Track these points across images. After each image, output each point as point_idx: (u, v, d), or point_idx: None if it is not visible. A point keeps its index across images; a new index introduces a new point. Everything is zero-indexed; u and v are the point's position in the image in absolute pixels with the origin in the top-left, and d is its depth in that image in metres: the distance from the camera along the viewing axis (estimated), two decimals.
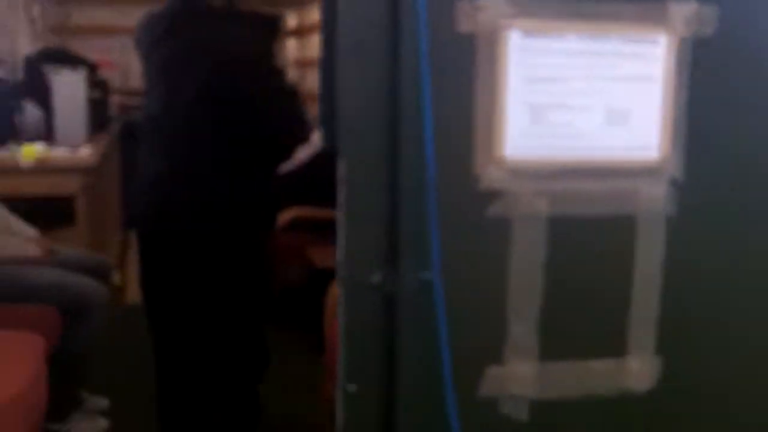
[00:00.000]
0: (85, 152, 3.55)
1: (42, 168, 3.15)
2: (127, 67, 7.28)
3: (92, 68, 5.10)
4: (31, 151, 3.14)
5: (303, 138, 2.53)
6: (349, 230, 1.31)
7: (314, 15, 5.94)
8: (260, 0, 2.64)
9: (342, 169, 1.29)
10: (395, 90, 1.27)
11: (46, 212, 3.89)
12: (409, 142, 1.29)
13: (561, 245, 1.42)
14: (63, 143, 3.88)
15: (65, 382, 2.86)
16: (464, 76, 1.33)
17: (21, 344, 2.26)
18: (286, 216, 3.86)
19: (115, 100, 5.88)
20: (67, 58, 4.99)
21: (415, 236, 1.32)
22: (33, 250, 2.82)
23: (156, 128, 2.48)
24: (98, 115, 4.64)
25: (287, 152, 2.61)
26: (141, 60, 2.60)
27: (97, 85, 4.90)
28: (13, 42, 5.33)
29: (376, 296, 1.33)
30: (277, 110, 2.44)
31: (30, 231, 2.99)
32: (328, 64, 1.29)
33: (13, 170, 3.13)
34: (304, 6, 6.53)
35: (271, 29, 2.56)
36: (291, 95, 2.53)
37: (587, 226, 1.43)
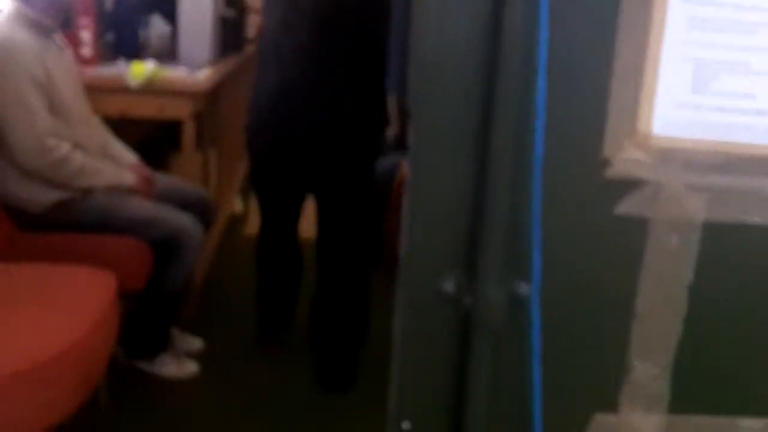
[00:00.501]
0: (203, 75, 3.33)
1: (150, 89, 2.94)
2: None
3: None
4: (140, 70, 2.94)
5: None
6: (415, 218, 0.96)
7: None
8: None
9: (412, 136, 0.94)
10: (494, 30, 0.89)
11: (158, 136, 3.76)
12: (508, 106, 0.91)
13: (717, 262, 1.02)
14: (185, 63, 3.68)
15: (154, 320, 2.71)
16: (599, 16, 0.93)
17: (89, 282, 2.08)
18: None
19: (254, 20, 5.67)
20: None
21: (508, 235, 0.96)
22: (130, 178, 2.63)
23: (274, 46, 2.64)
24: (231, 36, 4.43)
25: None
26: None
27: (234, 3, 4.68)
28: None
29: (446, 310, 0.98)
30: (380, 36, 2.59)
31: (129, 156, 2.81)
32: None
33: (121, 89, 2.94)
34: None
35: None
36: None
37: (758, 239, 1.02)
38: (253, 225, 4.46)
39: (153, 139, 3.65)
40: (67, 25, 2.78)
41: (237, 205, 4.72)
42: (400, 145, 3.41)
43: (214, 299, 3.38)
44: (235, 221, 4.52)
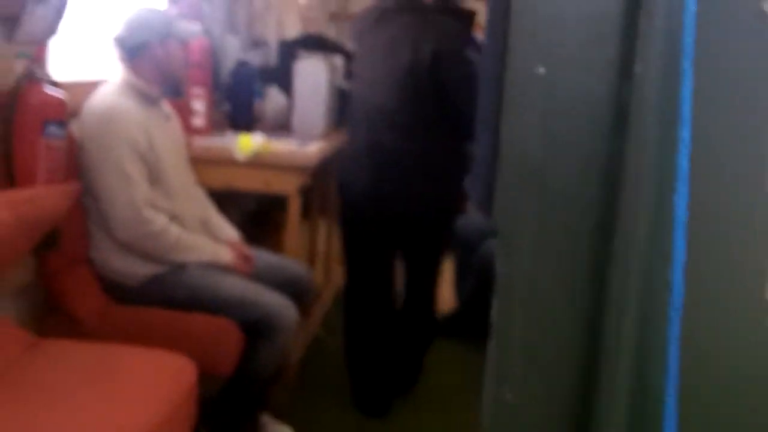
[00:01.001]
0: (313, 148, 3.24)
1: (257, 162, 2.87)
2: None
3: (350, 56, 4.85)
4: (247, 143, 2.87)
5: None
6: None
7: None
8: None
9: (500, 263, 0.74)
10: (617, 126, 0.69)
11: (267, 207, 3.68)
12: (638, 227, 0.70)
13: None
14: (298, 135, 3.63)
15: (242, 405, 2.56)
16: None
17: (167, 368, 1.95)
18: None
19: None
20: (323, 44, 4.79)
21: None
22: (226, 255, 2.53)
23: (362, 107, 2.90)
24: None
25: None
26: (354, 44, 3.13)
27: (351, 74, 4.63)
28: (279, 26, 5.24)
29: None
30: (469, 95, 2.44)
31: (229, 232, 2.72)
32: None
33: (227, 161, 2.87)
34: None
35: (467, 22, 2.87)
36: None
37: None
38: None
39: (262, 208, 3.59)
40: (178, 94, 2.75)
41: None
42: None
43: (310, 382, 3.21)
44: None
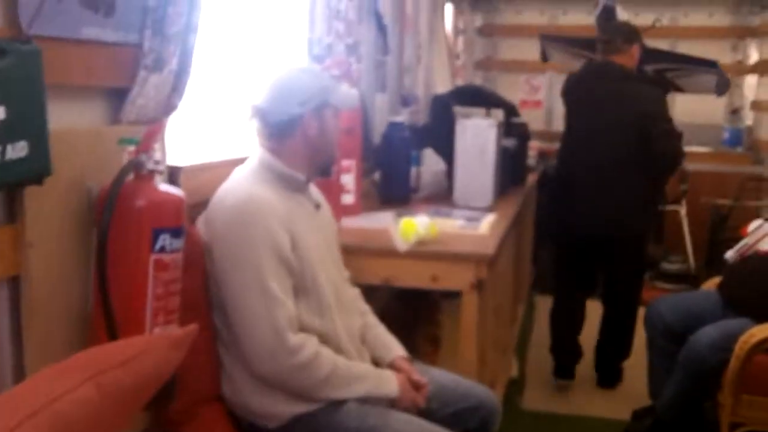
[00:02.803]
0: (485, 225, 2.65)
1: (421, 252, 2.29)
2: (551, 106, 6.45)
3: (511, 110, 4.25)
4: (410, 228, 2.29)
5: (677, 164, 3.67)
6: None
7: None
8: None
9: None
10: None
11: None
12: None
13: None
14: (463, 205, 3.04)
15: None
16: None
17: None
18: (759, 333, 2.71)
19: (533, 145, 5.04)
20: (482, 98, 4.21)
21: None
22: (393, 386, 1.92)
23: (582, 162, 3.60)
24: (513, 168, 3.76)
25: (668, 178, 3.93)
26: (566, 111, 3.86)
27: (515, 129, 4.02)
28: (427, 78, 4.70)
29: None
30: (671, 148, 3.47)
31: (395, 348, 2.10)
32: None
33: (386, 252, 2.31)
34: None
35: (663, 88, 3.74)
36: (679, 136, 3.51)
37: None
38: (531, 398, 3.65)
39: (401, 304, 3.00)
40: (328, 173, 2.21)
41: (513, 369, 3.92)
42: None
43: None
44: (511, 387, 3.73)
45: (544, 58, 5.04)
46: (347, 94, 2.02)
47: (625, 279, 3.78)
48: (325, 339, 1.87)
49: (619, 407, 3.50)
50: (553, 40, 5.01)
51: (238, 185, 1.87)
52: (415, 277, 2.34)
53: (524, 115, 5.16)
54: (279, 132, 1.92)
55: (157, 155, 1.56)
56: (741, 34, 6.37)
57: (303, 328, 1.82)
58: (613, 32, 3.73)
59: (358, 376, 1.88)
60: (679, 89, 4.63)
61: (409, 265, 2.31)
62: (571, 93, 3.81)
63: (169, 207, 1.49)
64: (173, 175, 1.79)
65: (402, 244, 2.27)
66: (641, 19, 5.17)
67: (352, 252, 2.28)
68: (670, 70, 4.45)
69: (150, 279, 1.43)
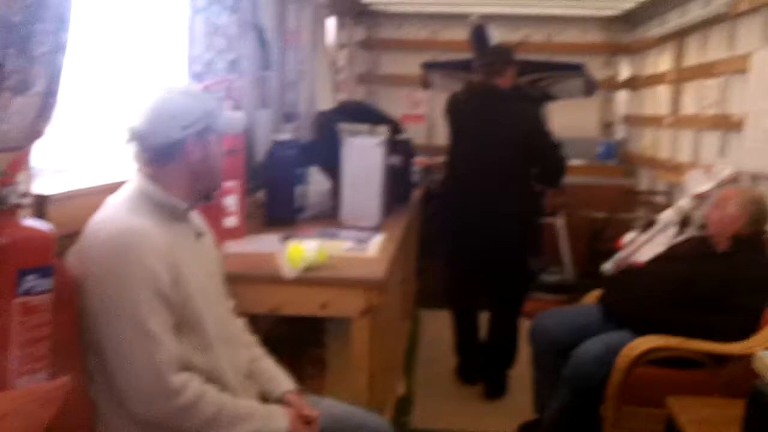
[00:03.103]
0: (374, 246, 2.61)
1: (310, 278, 2.21)
2: (433, 120, 6.50)
3: (395, 126, 4.23)
4: (298, 254, 2.21)
5: (563, 172, 3.93)
6: None
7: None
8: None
9: None
10: None
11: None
12: None
13: None
14: (350, 225, 2.99)
15: None
16: None
17: None
18: (640, 346, 2.75)
19: (417, 160, 5.06)
20: (367, 115, 4.16)
21: None
22: (282, 421, 1.83)
23: (468, 178, 3.83)
24: (399, 185, 3.73)
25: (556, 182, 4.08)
26: (449, 129, 4.04)
27: (400, 146, 4.00)
28: (310, 93, 4.62)
29: None
30: (552, 156, 3.83)
31: (283, 382, 2.02)
32: None
33: (272, 279, 2.22)
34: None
35: (539, 104, 4.20)
36: (557, 146, 3.83)
37: None
38: (420, 416, 3.63)
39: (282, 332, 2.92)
40: (210, 198, 2.10)
41: (401, 388, 3.89)
42: None
43: None
44: (400, 406, 3.69)
45: (426, 86, 5.18)
46: (232, 118, 1.92)
47: (510, 288, 3.99)
48: (209, 377, 1.77)
49: (506, 422, 3.53)
50: (435, 66, 5.10)
51: (112, 215, 1.74)
52: (303, 305, 2.26)
53: (407, 130, 5.18)
54: (159, 157, 1.80)
55: (22, 187, 1.43)
56: (613, 50, 6.62)
57: (186, 367, 1.72)
58: (495, 56, 3.98)
59: (246, 414, 1.78)
60: (553, 97, 4.77)
61: (296, 292, 2.23)
62: (455, 112, 4.00)
63: (36, 244, 1.36)
64: (40, 206, 1.65)
65: (289, 270, 2.19)
66: (516, 35, 5.29)
67: (237, 280, 2.17)
68: (542, 80, 4.57)
69: (15, 325, 1.29)
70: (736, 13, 4.02)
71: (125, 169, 1.91)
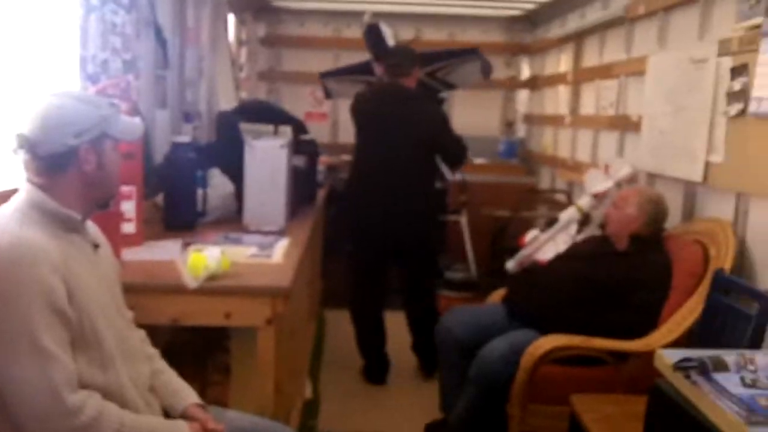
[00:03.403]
0: (279, 251, 2.56)
1: (213, 288, 2.15)
2: (336, 118, 6.47)
3: (299, 126, 4.17)
4: (200, 263, 2.15)
5: (465, 158, 4.20)
6: None
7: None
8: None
9: None
10: None
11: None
12: None
13: None
14: (254, 228, 2.93)
15: None
16: None
17: None
18: (543, 345, 2.80)
19: (322, 160, 5.02)
20: (270, 115, 4.09)
21: None
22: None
23: (374, 177, 3.95)
24: (304, 186, 3.69)
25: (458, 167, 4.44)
26: (356, 128, 4.11)
27: (304, 147, 3.95)
28: (211, 92, 4.52)
29: None
30: (454, 147, 4.04)
31: (186, 395, 1.96)
32: None
33: (174, 290, 2.14)
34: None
35: (439, 101, 4.40)
36: (458, 138, 4.06)
37: None
38: (327, 419, 3.60)
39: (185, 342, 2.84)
40: (106, 206, 2.00)
41: (308, 391, 3.85)
42: None
43: None
44: (306, 410, 3.66)
45: (328, 96, 5.14)
46: (129, 124, 1.83)
47: (423, 283, 4.20)
48: (109, 394, 1.69)
49: (413, 421, 3.54)
50: (331, 75, 5.05)
51: (1, 228, 1.64)
52: (206, 314, 2.19)
53: (310, 128, 5.11)
54: (51, 166, 1.70)
55: None
56: (515, 50, 6.73)
57: (84, 385, 1.63)
58: (401, 56, 4.07)
59: (148, 431, 1.71)
60: (453, 86, 4.78)
61: (199, 302, 2.16)
62: (361, 112, 4.10)
63: None
64: None
65: (191, 280, 2.12)
66: (408, 33, 5.27)
67: (136, 290, 2.09)
68: (440, 69, 4.58)
69: None
70: (633, 17, 4.13)
71: (14, 178, 1.79)
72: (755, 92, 2.76)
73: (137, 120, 1.89)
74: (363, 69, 4.71)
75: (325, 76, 5.12)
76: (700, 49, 3.25)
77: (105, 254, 1.89)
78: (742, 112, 2.86)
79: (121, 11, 2.72)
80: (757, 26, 2.78)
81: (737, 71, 2.92)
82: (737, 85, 2.91)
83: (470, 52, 4.61)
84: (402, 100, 3.95)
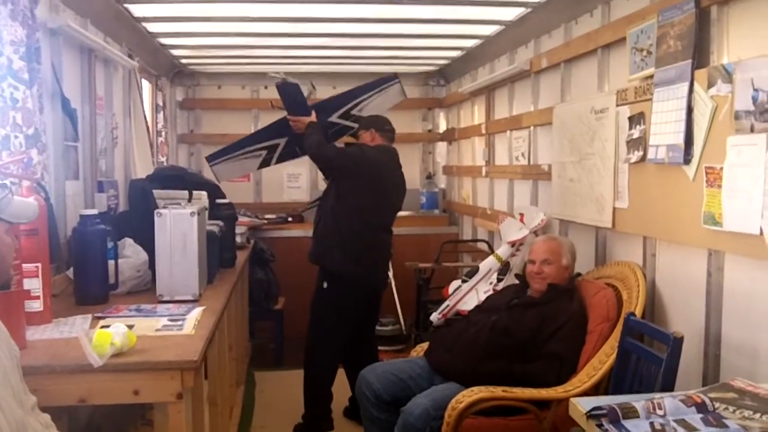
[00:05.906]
0: (191, 322, 2.51)
1: (120, 364, 2.09)
2: (258, 177, 6.46)
3: (215, 191, 4.16)
4: (105, 340, 2.09)
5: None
6: None
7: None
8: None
9: None
10: None
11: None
12: None
13: None
14: (168, 299, 2.88)
15: None
16: None
17: None
18: (465, 398, 2.78)
19: (242, 221, 4.98)
20: (185, 181, 4.07)
21: None
22: None
23: (373, 227, 4.14)
24: (221, 251, 3.65)
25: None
26: (365, 189, 4.06)
27: (221, 211, 3.93)
28: (126, 159, 4.47)
29: None
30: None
31: None
32: None
33: (79, 369, 2.08)
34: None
35: (395, 156, 4.26)
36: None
37: None
38: None
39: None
40: (3, 287, 1.94)
41: None
42: None
43: None
44: None
45: (218, 180, 4.53)
46: (22, 206, 1.79)
47: (373, 331, 4.55)
48: None
49: None
50: (217, 157, 4.46)
51: None
52: (114, 393, 2.12)
53: (233, 189, 5.07)
54: None
55: None
56: (430, 105, 6.84)
57: None
58: (385, 121, 4.28)
59: None
60: (360, 119, 4.48)
61: (106, 380, 2.09)
62: (385, 176, 4.17)
63: None
64: None
65: (96, 359, 2.06)
66: (327, 91, 5.24)
67: (41, 372, 2.03)
68: (356, 105, 4.41)
69: None
70: (537, 70, 4.25)
71: None
72: (652, 140, 2.86)
73: (31, 200, 1.86)
74: (245, 144, 4.42)
75: (210, 159, 4.53)
76: (601, 99, 3.37)
77: (3, 338, 1.83)
78: (642, 159, 2.96)
79: (21, 86, 2.68)
80: (650, 76, 2.90)
81: (635, 120, 3.03)
82: (636, 133, 3.01)
83: (391, 79, 4.49)
84: (398, 163, 4.23)
